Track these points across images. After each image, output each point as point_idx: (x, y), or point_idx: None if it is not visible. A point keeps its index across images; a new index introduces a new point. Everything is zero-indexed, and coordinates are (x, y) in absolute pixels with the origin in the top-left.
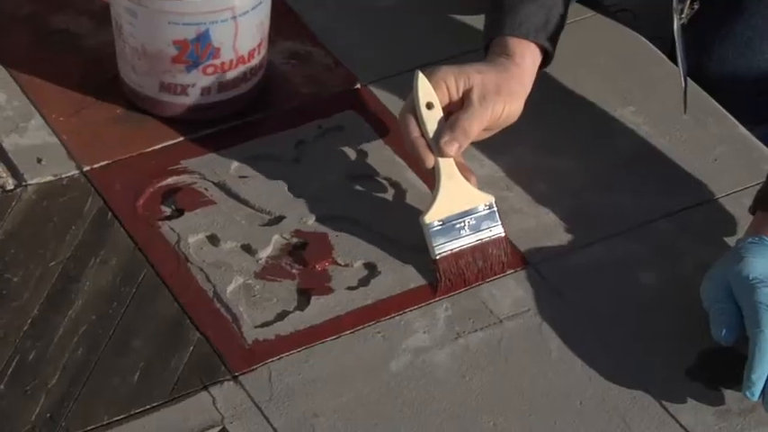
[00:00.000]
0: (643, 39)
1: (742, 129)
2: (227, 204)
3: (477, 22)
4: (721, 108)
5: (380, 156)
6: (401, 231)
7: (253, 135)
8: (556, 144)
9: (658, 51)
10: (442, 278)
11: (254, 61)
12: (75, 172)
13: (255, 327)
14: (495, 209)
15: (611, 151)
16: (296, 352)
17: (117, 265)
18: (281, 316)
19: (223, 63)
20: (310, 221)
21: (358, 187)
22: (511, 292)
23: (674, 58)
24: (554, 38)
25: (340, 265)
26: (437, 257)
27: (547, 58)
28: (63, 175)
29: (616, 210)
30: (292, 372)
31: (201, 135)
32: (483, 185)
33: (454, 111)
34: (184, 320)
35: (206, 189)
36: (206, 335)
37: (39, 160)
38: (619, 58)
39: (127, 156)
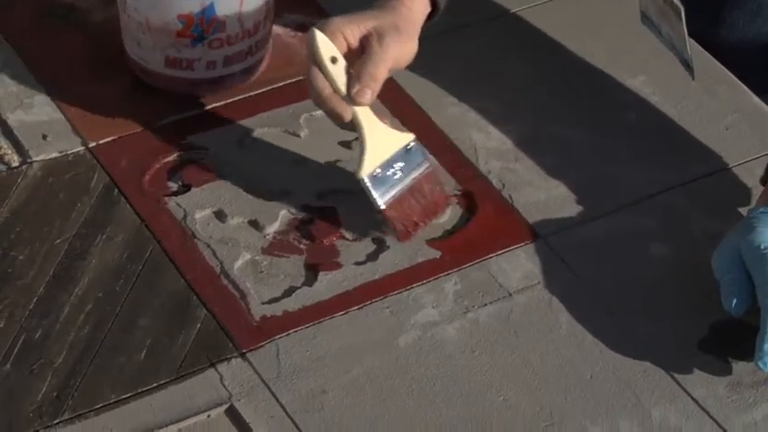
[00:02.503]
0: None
1: (754, 97)
2: (234, 179)
3: None
4: (733, 76)
5: None
6: None
7: (259, 109)
8: (565, 115)
9: None
10: (395, 226)
11: (260, 34)
12: (80, 148)
13: (263, 303)
14: (417, 144)
15: (622, 122)
16: (304, 328)
17: (123, 241)
18: (289, 292)
19: (228, 36)
20: (318, 196)
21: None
22: (520, 266)
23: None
24: None
25: (348, 239)
26: (382, 208)
27: (434, 12)
28: (68, 152)
29: (626, 181)
30: (300, 348)
31: (208, 110)
32: (491, 157)
33: (356, 59)
34: (191, 297)
35: (212, 164)
36: (213, 311)
37: (44, 137)
38: (628, 27)
39: (133, 131)
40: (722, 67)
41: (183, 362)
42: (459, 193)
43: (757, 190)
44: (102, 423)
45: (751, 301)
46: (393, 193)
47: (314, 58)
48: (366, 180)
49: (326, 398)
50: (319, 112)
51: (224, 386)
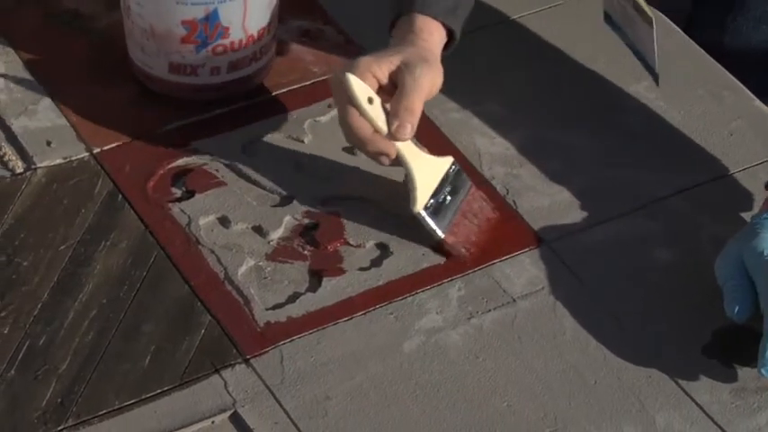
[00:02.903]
0: (657, 12)
1: (758, 102)
2: (238, 185)
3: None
4: (737, 82)
5: None
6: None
7: (263, 115)
8: (569, 120)
9: (673, 24)
10: (459, 252)
11: (264, 40)
12: (84, 154)
13: (267, 309)
14: (458, 166)
15: (625, 127)
16: (308, 334)
17: (127, 247)
18: (293, 298)
19: (232, 42)
20: (322, 202)
21: (369, 167)
22: (524, 271)
23: (690, 31)
24: (461, 20)
25: (352, 245)
26: (442, 237)
27: (450, 42)
28: (72, 158)
29: (630, 186)
30: (304, 354)
31: (212, 115)
32: (495, 163)
33: (388, 96)
34: (195, 303)
35: (216, 170)
36: (217, 318)
37: (48, 143)
38: None
39: (137, 137)
40: (727, 72)
41: (187, 368)
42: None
43: (761, 195)
44: (107, 429)
45: (754, 308)
46: (448, 219)
47: (351, 101)
48: (423, 213)
49: (330, 404)
50: (323, 118)
51: (228, 392)
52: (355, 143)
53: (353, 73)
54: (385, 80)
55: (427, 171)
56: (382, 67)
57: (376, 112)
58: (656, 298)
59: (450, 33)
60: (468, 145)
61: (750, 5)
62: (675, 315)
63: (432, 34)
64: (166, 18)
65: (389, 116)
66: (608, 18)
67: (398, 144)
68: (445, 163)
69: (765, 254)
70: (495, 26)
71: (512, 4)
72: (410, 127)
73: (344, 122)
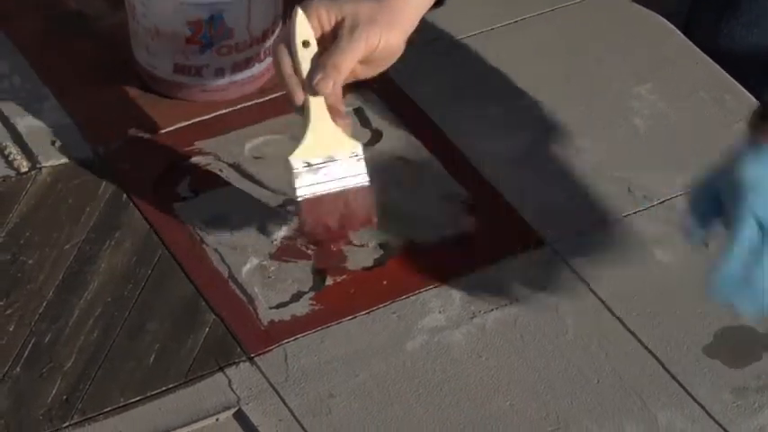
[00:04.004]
0: (658, 16)
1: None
2: (242, 185)
3: None
4: (739, 85)
5: (396, 135)
6: (416, 211)
7: (267, 115)
8: (571, 121)
9: (674, 28)
10: (304, 220)
11: (269, 41)
12: (89, 154)
13: (271, 308)
14: (362, 156)
15: (628, 129)
16: (311, 333)
17: (132, 246)
18: (297, 297)
19: (237, 43)
20: None
21: (373, 167)
22: (527, 271)
23: (689, 35)
24: None
25: (355, 245)
26: (299, 198)
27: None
28: (77, 157)
29: (633, 187)
30: (308, 353)
31: (216, 116)
32: (497, 163)
33: (328, 45)
34: (200, 302)
35: (220, 170)
36: (221, 316)
37: (53, 142)
38: (634, 35)
39: (141, 137)
40: (728, 75)
41: (192, 366)
42: (465, 199)
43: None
44: (111, 427)
45: (709, 235)
46: (317, 189)
47: (287, 34)
48: (294, 165)
49: (334, 402)
50: None
51: (232, 390)
52: (276, 74)
53: (304, 11)
54: (328, 28)
55: (325, 137)
56: (330, 14)
57: (305, 55)
58: (659, 298)
59: None
60: (470, 145)
61: (742, 10)
62: (677, 315)
63: None
64: (171, 19)
65: (316, 66)
66: None
67: (311, 98)
68: (348, 144)
69: (740, 185)
70: (499, 27)
71: (516, 6)
72: (330, 83)
73: (273, 50)
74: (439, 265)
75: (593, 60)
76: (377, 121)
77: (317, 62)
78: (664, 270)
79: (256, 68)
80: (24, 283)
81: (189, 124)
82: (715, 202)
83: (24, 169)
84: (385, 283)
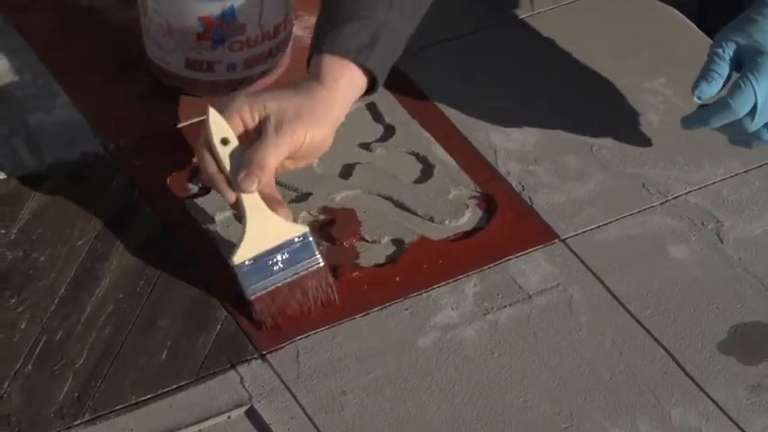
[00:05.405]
0: (670, 8)
1: None
2: None
3: None
4: None
5: (408, 130)
6: (429, 207)
7: None
8: (585, 117)
9: (686, 20)
10: (261, 319)
11: (280, 37)
12: (101, 150)
13: None
14: (311, 239)
15: (642, 123)
16: (323, 330)
17: (144, 243)
18: None
19: (248, 39)
20: (338, 198)
21: (385, 163)
22: (540, 268)
23: (701, 26)
24: (384, 59)
25: (368, 241)
26: (251, 298)
27: (374, 82)
28: (89, 153)
29: (647, 183)
30: (320, 350)
31: None
32: (510, 159)
33: (255, 141)
34: (211, 299)
35: None
36: (233, 313)
37: (65, 139)
38: (647, 29)
39: (153, 133)
40: None
41: (204, 363)
42: (478, 194)
43: None
44: (123, 424)
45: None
46: (267, 284)
47: (204, 138)
48: (237, 267)
49: (346, 399)
50: None
51: (244, 387)
52: (202, 175)
53: (223, 111)
54: (252, 125)
55: (265, 229)
56: (253, 112)
57: (225, 153)
58: (672, 294)
59: (369, 73)
60: (483, 141)
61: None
62: (692, 311)
63: (337, 81)
64: (183, 15)
65: (240, 165)
66: None
67: (243, 195)
68: (293, 230)
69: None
70: (512, 22)
71: (528, 1)
72: (256, 180)
73: (196, 152)
74: (451, 261)
75: (607, 54)
76: (389, 116)
77: (243, 159)
78: (678, 266)
79: (268, 64)
80: (36, 279)
81: (201, 120)
82: (730, 58)
83: (36, 166)
84: (397, 279)
